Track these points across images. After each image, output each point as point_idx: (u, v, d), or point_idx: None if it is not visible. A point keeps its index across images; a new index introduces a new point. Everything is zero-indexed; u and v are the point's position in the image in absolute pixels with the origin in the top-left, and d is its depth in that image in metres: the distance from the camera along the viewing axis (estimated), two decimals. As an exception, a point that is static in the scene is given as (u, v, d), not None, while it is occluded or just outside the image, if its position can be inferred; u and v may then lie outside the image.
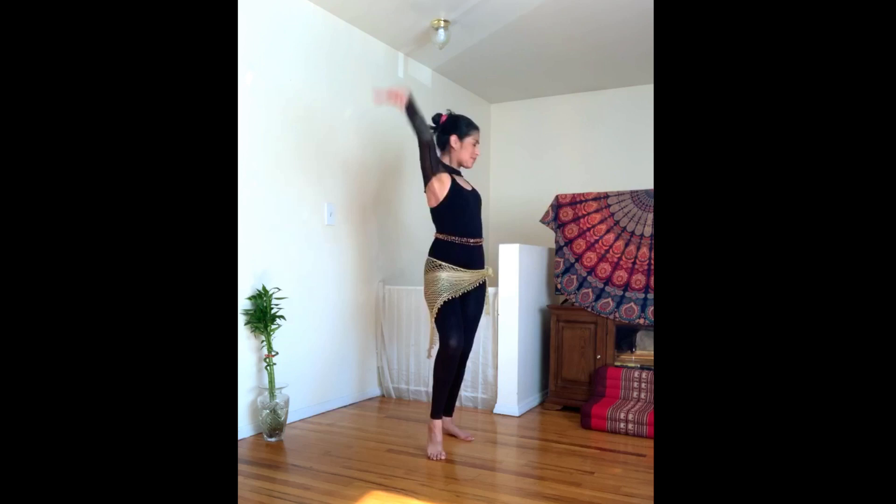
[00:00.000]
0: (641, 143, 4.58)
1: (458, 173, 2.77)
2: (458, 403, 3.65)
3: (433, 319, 2.66)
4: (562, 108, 4.94)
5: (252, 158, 2.92)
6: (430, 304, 2.68)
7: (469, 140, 2.74)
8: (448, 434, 2.88)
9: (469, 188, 2.74)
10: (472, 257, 2.70)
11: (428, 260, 2.72)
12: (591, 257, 3.47)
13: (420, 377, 3.71)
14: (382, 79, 3.88)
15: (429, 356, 2.78)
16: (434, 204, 2.69)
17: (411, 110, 2.60)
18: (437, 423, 2.65)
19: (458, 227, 2.67)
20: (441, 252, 2.68)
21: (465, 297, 2.72)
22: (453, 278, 2.65)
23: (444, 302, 2.62)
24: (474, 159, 2.76)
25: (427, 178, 2.66)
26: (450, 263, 2.65)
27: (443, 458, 2.58)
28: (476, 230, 2.72)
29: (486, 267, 2.78)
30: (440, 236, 2.70)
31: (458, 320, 2.66)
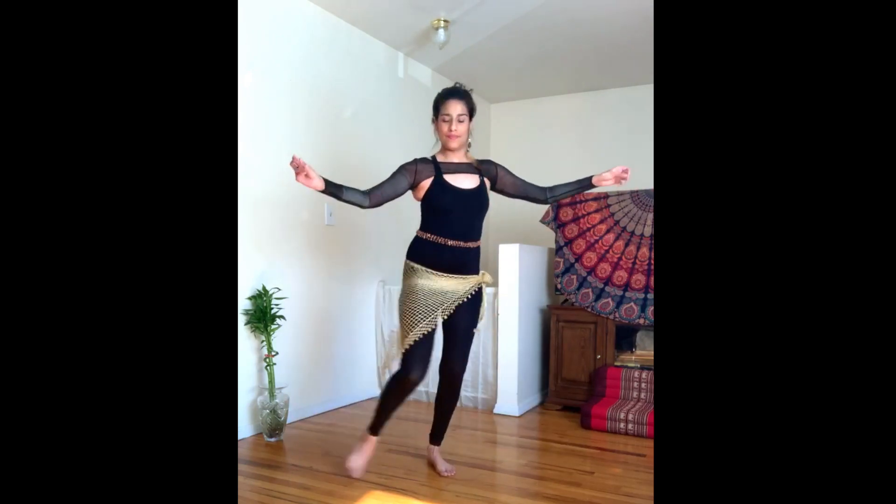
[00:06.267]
0: (641, 143, 4.58)
1: (465, 166, 2.32)
2: (458, 404, 3.61)
3: (402, 344, 2.26)
4: (562, 108, 4.94)
5: (252, 158, 2.92)
6: (404, 322, 2.26)
7: (441, 117, 2.27)
8: (430, 463, 2.51)
9: (469, 186, 2.29)
10: (456, 260, 2.26)
11: (405, 262, 2.33)
12: (591, 257, 3.47)
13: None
14: (382, 79, 3.88)
15: (383, 372, 2.33)
16: (418, 197, 2.32)
17: (331, 193, 2.15)
18: (373, 439, 2.38)
19: (436, 226, 2.26)
20: (415, 252, 2.30)
21: (457, 307, 2.29)
22: (435, 289, 2.24)
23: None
24: (452, 137, 2.25)
25: (411, 187, 2.30)
26: (425, 266, 2.25)
27: (356, 475, 2.32)
28: (461, 233, 2.26)
29: (480, 272, 2.34)
30: (418, 233, 2.31)
31: (427, 350, 2.26)
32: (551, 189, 2.42)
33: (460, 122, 2.24)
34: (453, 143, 2.27)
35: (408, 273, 2.30)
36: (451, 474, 2.40)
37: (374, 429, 2.38)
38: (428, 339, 2.25)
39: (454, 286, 2.27)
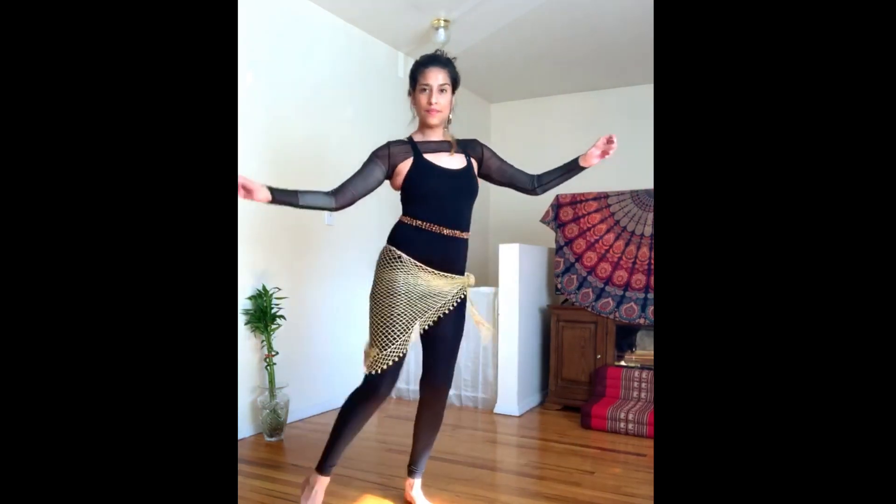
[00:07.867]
0: (641, 143, 4.57)
1: (446, 145, 1.98)
2: (458, 403, 3.65)
3: (372, 361, 1.88)
4: (562, 107, 4.94)
5: (252, 158, 2.92)
6: (376, 332, 1.87)
7: (418, 87, 1.91)
8: (407, 502, 2.15)
9: (456, 166, 1.96)
10: (449, 253, 1.92)
11: (384, 249, 1.94)
12: (591, 257, 3.47)
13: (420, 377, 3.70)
14: (382, 79, 3.88)
15: (366, 368, 1.91)
16: (397, 185, 1.96)
17: (283, 202, 1.80)
18: (324, 480, 2.01)
19: (426, 212, 1.91)
20: (403, 238, 1.92)
21: (441, 316, 1.94)
22: (420, 291, 1.88)
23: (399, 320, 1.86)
24: (432, 112, 1.90)
25: (387, 176, 1.96)
26: (413, 258, 1.88)
27: None
28: (454, 220, 1.93)
29: (466, 274, 1.99)
30: (404, 219, 1.94)
31: (401, 364, 1.90)
32: (539, 177, 2.20)
33: (441, 91, 1.90)
34: (433, 119, 1.91)
35: (389, 263, 1.89)
36: None
37: (321, 465, 2.00)
38: (404, 356, 1.90)
39: (441, 286, 1.91)
